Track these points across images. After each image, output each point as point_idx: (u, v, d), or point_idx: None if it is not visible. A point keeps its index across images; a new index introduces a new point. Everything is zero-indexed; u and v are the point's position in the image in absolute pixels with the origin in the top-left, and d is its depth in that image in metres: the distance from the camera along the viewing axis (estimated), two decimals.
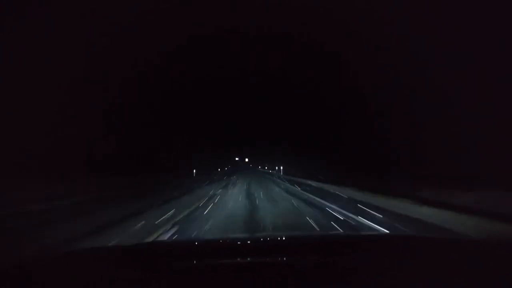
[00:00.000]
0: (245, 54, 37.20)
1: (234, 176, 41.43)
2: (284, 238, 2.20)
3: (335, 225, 7.51)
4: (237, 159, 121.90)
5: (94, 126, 17.23)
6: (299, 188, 20.63)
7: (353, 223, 7.88)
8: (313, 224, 7.57)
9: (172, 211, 9.30)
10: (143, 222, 7.54)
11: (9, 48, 12.54)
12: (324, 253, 1.56)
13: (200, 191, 17.55)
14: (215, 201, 12.76)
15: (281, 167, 53.47)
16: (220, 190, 18.97)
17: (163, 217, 8.25)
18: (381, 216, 8.66)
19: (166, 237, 6.12)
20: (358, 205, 11.13)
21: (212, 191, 17.31)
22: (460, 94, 12.34)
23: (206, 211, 9.88)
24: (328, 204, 11.64)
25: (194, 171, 37.02)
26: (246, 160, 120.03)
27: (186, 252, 1.67)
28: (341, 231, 6.75)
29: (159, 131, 29.07)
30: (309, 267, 1.28)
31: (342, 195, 15.15)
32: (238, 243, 2.03)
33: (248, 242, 2.07)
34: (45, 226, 7.16)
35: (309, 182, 25.67)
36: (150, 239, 5.86)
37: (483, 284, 1.10)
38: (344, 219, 8.37)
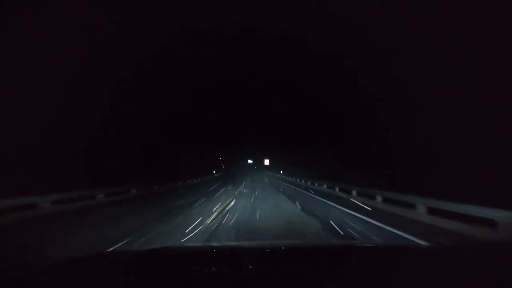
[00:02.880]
0: (256, 55, 37.24)
1: None
2: (297, 246, 2.22)
3: None
4: (250, 161, 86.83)
5: (91, 127, 17.30)
6: None
7: None
8: None
9: None
10: None
11: (8, 48, 12.61)
12: (334, 262, 1.56)
13: None
14: None
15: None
16: None
17: None
18: None
19: None
20: None
21: None
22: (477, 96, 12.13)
23: None
24: None
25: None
26: (266, 163, 73.95)
27: (194, 259, 1.68)
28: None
29: (159, 132, 29.12)
30: (321, 277, 1.27)
31: None
32: (247, 252, 2.00)
33: (257, 249, 2.05)
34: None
35: None
36: None
37: None
38: None
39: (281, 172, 52.40)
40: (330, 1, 19.60)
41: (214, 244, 4.39)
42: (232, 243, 3.85)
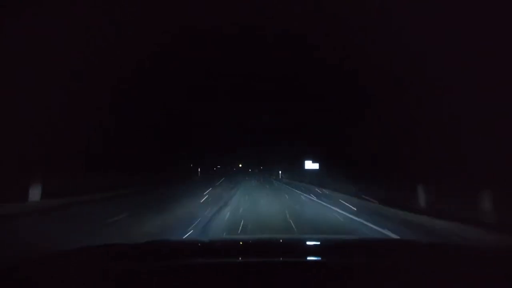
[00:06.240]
0: (256, 55, 37.06)
1: None
2: (296, 240, 2.22)
3: None
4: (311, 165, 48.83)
5: (90, 126, 17.30)
6: None
7: None
8: None
9: None
10: None
11: (8, 48, 12.59)
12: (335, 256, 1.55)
13: None
14: None
15: None
16: None
17: None
18: None
19: None
20: None
21: None
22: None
23: None
24: None
25: None
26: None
27: (193, 251, 1.69)
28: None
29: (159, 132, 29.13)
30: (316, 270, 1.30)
31: None
32: (241, 243, 2.01)
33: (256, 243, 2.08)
34: None
35: None
36: None
37: None
38: None
39: None
40: (330, 1, 19.57)
41: (215, 238, 4.36)
42: (232, 237, 3.85)
